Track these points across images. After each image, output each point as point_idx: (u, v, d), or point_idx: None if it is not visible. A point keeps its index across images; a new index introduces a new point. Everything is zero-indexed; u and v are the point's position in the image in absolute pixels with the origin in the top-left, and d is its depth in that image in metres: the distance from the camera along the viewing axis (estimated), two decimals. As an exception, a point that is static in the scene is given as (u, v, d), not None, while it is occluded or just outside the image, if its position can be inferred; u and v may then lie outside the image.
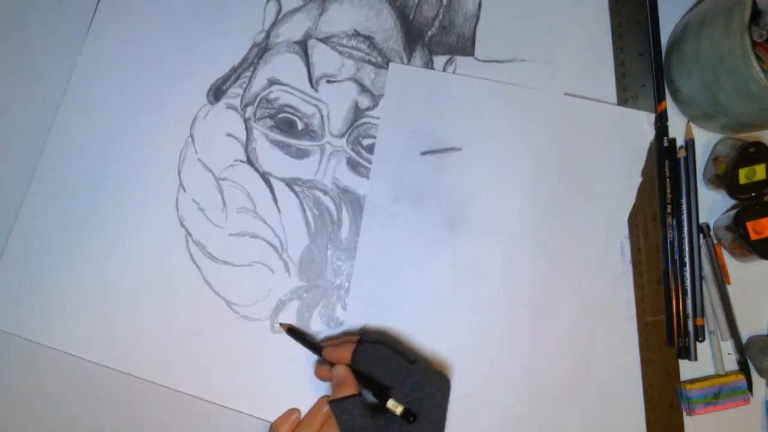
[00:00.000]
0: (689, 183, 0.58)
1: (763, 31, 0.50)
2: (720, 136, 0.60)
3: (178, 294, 0.57)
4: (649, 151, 0.58)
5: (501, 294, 0.57)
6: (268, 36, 0.59)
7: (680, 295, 0.57)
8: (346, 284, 0.58)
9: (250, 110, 0.58)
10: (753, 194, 0.56)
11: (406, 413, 0.48)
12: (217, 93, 0.58)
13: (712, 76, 0.52)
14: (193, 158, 0.58)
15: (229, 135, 0.58)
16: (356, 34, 0.59)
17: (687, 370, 0.58)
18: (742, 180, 0.56)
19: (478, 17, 0.60)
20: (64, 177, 0.58)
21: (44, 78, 0.60)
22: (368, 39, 0.59)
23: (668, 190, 0.58)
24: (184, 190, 0.58)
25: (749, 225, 0.56)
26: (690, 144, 0.59)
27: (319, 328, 0.57)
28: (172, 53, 0.59)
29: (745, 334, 0.59)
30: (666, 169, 0.58)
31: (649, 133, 0.58)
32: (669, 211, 0.58)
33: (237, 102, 0.58)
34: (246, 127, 0.58)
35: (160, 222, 0.58)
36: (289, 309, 0.57)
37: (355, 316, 0.57)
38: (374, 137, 0.58)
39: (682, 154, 0.58)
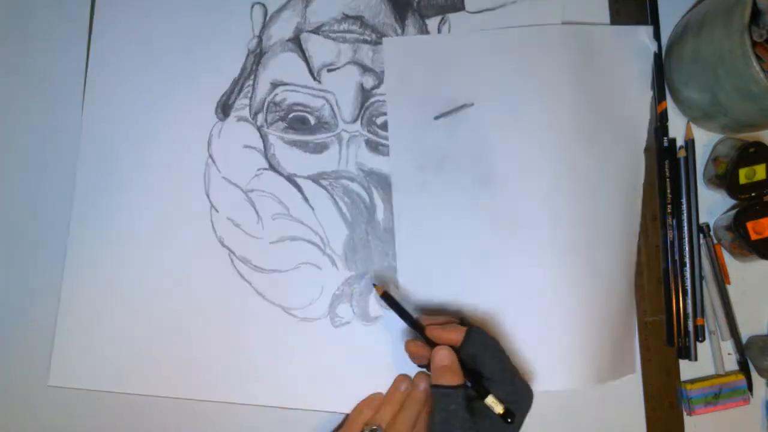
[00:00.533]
0: (689, 183, 0.58)
1: (763, 31, 0.49)
2: (720, 136, 0.60)
3: (235, 313, 0.57)
4: (649, 151, 0.59)
5: (544, 240, 0.56)
6: (260, 41, 0.59)
7: (680, 295, 0.57)
8: (395, 263, 0.57)
9: (261, 117, 0.59)
10: (753, 194, 0.56)
11: (506, 413, 0.46)
12: (225, 108, 0.59)
13: (712, 76, 0.52)
14: (217, 177, 0.58)
15: (246, 146, 0.58)
16: (345, 17, 0.59)
17: (687, 370, 0.58)
18: (742, 180, 0.56)
19: (461, -30, 0.59)
20: (95, 233, 0.59)
21: (59, 130, 0.60)
22: (358, 19, 0.59)
23: (668, 190, 0.58)
24: (217, 211, 0.58)
25: (749, 225, 0.56)
26: (690, 144, 0.59)
27: (378, 313, 0.57)
28: (172, 81, 0.60)
29: (745, 334, 0.59)
30: (666, 169, 0.58)
31: (651, 46, 0.58)
32: (669, 211, 0.58)
33: (246, 112, 0.59)
34: (261, 135, 0.58)
35: (202, 248, 0.58)
36: (345, 301, 0.57)
37: (408, 292, 0.57)
38: (386, 114, 0.58)
39: (682, 154, 0.58)
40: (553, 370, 0.55)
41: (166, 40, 0.60)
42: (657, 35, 0.59)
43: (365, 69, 0.58)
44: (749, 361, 0.58)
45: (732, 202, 0.59)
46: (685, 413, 0.58)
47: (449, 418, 0.48)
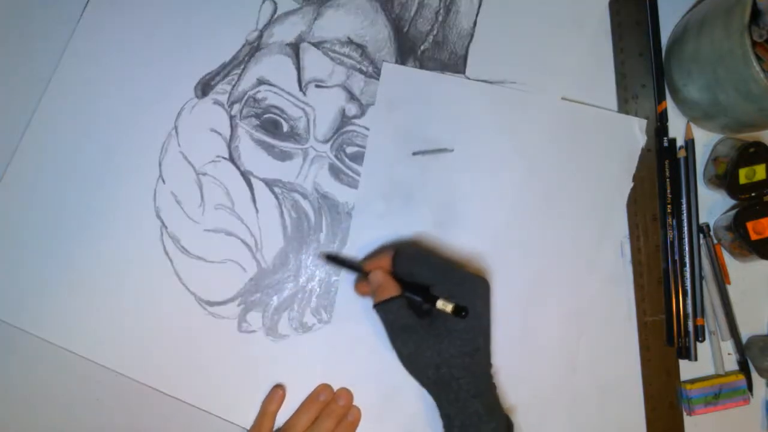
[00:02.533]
0: (689, 183, 0.58)
1: (763, 31, 0.50)
2: (720, 136, 0.60)
3: (148, 284, 0.57)
4: (649, 151, 0.59)
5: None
6: (261, 36, 0.59)
7: (680, 295, 0.57)
8: (318, 290, 0.57)
9: (236, 108, 0.58)
10: (753, 194, 0.57)
11: (457, 309, 0.48)
12: (204, 88, 0.58)
13: (712, 76, 0.52)
14: (175, 150, 0.58)
15: (213, 131, 0.58)
16: (349, 41, 0.59)
17: (687, 370, 0.58)
18: (742, 180, 0.56)
19: (472, 36, 0.60)
20: (44, 162, 0.58)
21: (30, 63, 0.59)
22: (361, 47, 0.59)
23: (668, 190, 0.58)
24: (163, 182, 0.58)
25: (749, 225, 0.56)
26: (690, 144, 0.59)
27: (287, 332, 0.57)
28: (163, 45, 0.59)
29: (745, 334, 0.59)
30: (666, 169, 0.58)
31: (641, 139, 0.59)
32: (669, 211, 0.58)
33: (224, 98, 0.58)
34: (231, 125, 0.58)
35: (137, 211, 0.57)
36: (258, 309, 0.57)
37: (342, 317, 0.57)
38: (359, 146, 0.58)
39: (682, 154, 0.59)
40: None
41: (169, 6, 0.59)
42: (656, 36, 0.60)
43: (352, 96, 0.59)
44: (749, 361, 0.58)
45: (732, 202, 0.59)
46: (685, 413, 0.58)
47: (392, 327, 0.50)
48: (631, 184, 0.58)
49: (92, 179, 0.58)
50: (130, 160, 0.58)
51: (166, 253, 0.57)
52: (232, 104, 0.58)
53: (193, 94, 0.58)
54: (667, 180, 0.58)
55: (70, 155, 0.58)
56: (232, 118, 0.58)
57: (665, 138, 0.59)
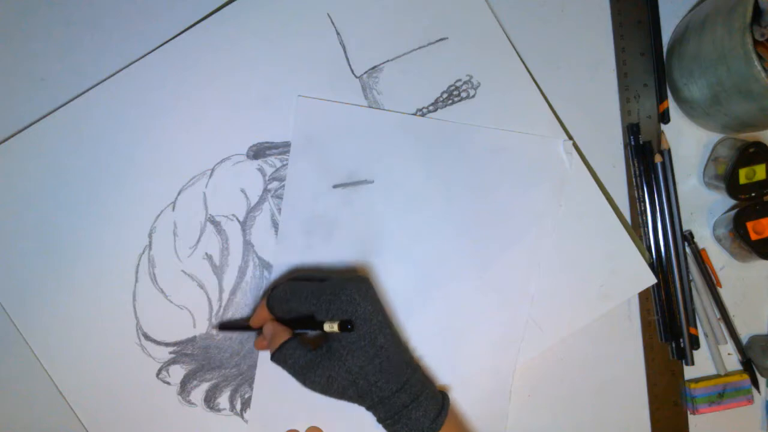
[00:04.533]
0: (669, 190, 0.58)
1: (764, 30, 0.50)
2: (720, 136, 0.60)
3: (105, 290, 0.58)
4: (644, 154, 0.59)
5: (417, 324, 0.58)
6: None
7: (673, 306, 0.58)
8: (244, 384, 0.58)
9: (274, 185, 0.59)
10: (753, 194, 0.57)
11: (342, 325, 0.48)
12: (258, 153, 0.59)
13: (714, 75, 0.53)
14: (200, 188, 0.59)
15: (242, 191, 0.59)
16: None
17: (691, 369, 0.60)
18: (742, 180, 0.56)
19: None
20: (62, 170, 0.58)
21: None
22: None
23: (640, 196, 0.59)
24: (173, 209, 0.58)
25: (749, 225, 0.56)
26: (666, 153, 0.59)
27: (197, 403, 0.57)
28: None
29: (747, 334, 0.60)
30: (635, 176, 0.59)
31: (566, 160, 0.58)
32: (642, 220, 0.59)
33: (269, 171, 0.59)
34: (261, 196, 0.59)
35: (131, 221, 0.58)
36: (184, 367, 0.57)
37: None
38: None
39: (658, 159, 0.59)
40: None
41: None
42: (657, 35, 0.60)
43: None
44: (752, 360, 0.59)
45: (732, 202, 0.60)
46: (689, 412, 0.59)
47: (295, 370, 0.50)
48: (561, 207, 0.58)
49: (113, 178, 0.58)
50: (152, 173, 0.58)
51: (136, 271, 0.57)
52: (272, 180, 0.59)
53: (245, 152, 0.59)
54: (638, 184, 0.59)
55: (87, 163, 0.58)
56: (266, 191, 0.59)
57: (638, 137, 0.59)
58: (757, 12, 0.50)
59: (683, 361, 0.59)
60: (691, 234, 0.60)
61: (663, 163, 0.59)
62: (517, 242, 0.58)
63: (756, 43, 0.49)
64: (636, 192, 0.60)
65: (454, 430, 0.52)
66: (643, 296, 0.60)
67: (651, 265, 0.59)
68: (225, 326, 0.58)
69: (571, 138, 0.59)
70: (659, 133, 0.60)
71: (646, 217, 0.60)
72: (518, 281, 0.58)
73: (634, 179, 0.60)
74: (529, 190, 0.58)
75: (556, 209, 0.58)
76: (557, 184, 0.58)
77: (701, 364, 0.60)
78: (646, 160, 0.60)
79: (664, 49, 0.60)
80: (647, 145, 0.60)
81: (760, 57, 0.49)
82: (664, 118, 0.60)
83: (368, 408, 0.51)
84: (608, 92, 0.60)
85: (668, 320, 0.59)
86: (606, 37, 0.60)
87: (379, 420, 0.51)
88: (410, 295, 0.58)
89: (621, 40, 0.60)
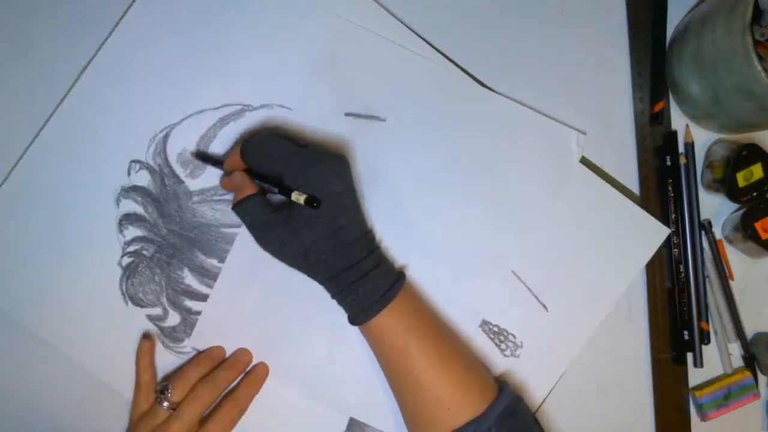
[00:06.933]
0: (690, 185, 0.58)
1: (764, 30, 0.50)
2: (711, 139, 0.60)
3: (80, 269, 0.58)
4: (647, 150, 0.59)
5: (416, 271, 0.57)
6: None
7: (685, 302, 0.57)
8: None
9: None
10: (754, 194, 0.56)
11: (309, 200, 0.47)
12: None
13: (714, 75, 0.53)
14: (187, 192, 0.58)
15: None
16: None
17: (693, 374, 0.59)
18: (741, 183, 0.56)
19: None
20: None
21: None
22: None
23: (671, 199, 0.58)
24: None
25: (758, 225, 0.56)
26: (689, 147, 0.58)
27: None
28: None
29: (751, 331, 0.59)
30: (669, 185, 0.58)
31: (576, 153, 0.58)
32: (673, 219, 0.58)
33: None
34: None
35: (101, 226, 0.58)
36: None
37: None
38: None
39: (683, 160, 0.58)
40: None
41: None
42: (662, 34, 0.60)
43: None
44: (755, 357, 0.58)
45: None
46: (699, 420, 0.58)
47: (252, 226, 0.50)
48: (557, 196, 0.57)
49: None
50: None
51: (117, 265, 0.58)
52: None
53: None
54: (670, 188, 0.58)
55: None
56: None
57: (667, 157, 0.58)
58: (757, 12, 0.50)
59: (693, 360, 0.58)
60: (709, 222, 0.59)
61: (686, 159, 0.59)
62: (511, 214, 0.58)
63: (756, 43, 0.50)
64: (666, 187, 0.59)
65: (411, 307, 0.52)
66: (651, 300, 0.59)
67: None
68: (201, 156, 0.57)
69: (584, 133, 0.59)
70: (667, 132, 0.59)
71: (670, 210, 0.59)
72: (504, 251, 0.58)
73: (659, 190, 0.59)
74: (532, 169, 0.58)
75: (554, 196, 0.58)
76: (562, 172, 0.58)
77: (701, 367, 0.58)
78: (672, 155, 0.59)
79: (665, 48, 0.60)
80: (671, 137, 0.59)
81: (760, 57, 0.49)
82: (658, 118, 0.59)
83: (320, 283, 0.51)
84: (621, 90, 0.60)
85: (678, 320, 0.58)
86: (607, 37, 0.60)
87: (333, 296, 0.51)
88: (402, 242, 0.57)
89: (635, 41, 0.60)
